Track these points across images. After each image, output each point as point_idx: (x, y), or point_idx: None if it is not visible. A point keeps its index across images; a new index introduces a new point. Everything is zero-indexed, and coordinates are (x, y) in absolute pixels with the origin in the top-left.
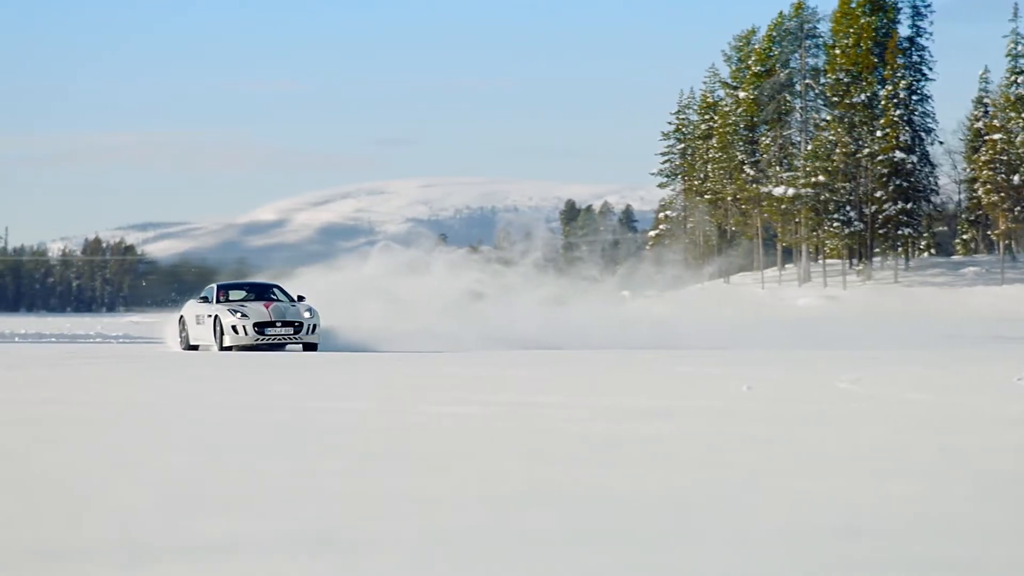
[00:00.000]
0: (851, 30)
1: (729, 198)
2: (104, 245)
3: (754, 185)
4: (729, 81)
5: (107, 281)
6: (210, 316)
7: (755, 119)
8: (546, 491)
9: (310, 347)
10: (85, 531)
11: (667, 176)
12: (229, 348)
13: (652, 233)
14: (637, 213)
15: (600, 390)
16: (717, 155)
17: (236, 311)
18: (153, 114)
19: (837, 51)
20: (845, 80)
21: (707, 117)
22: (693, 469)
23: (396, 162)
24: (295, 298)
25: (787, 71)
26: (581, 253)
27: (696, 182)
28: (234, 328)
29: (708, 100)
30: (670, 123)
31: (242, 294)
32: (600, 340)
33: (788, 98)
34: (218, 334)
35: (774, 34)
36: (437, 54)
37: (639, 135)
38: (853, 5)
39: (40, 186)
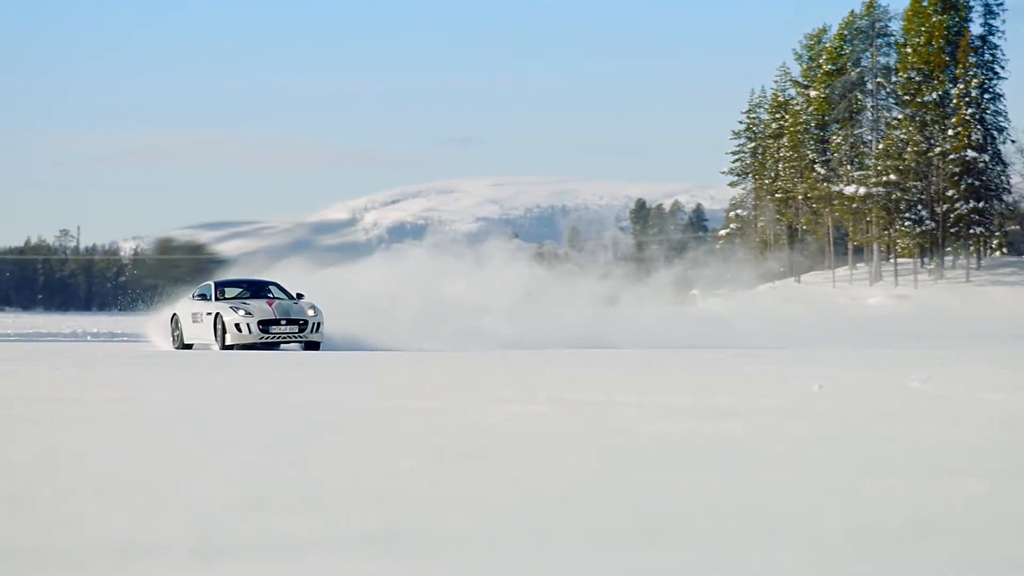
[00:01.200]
0: (922, 28)
1: (800, 197)
2: (175, 244)
3: (825, 184)
4: (800, 80)
5: (178, 279)
6: (209, 314)
7: (826, 118)
8: (616, 491)
9: (312, 346)
10: (158, 529)
11: (738, 175)
12: (231, 347)
13: (722, 232)
14: (707, 212)
15: (670, 389)
16: (788, 154)
17: (238, 308)
18: (225, 113)
19: (908, 50)
20: (916, 79)
21: (778, 116)
22: (764, 468)
23: (466, 161)
24: (294, 295)
25: (858, 70)
26: (651, 252)
27: (767, 181)
28: (237, 326)
29: (779, 99)
30: (741, 122)
31: (237, 291)
32: (670, 339)
33: (859, 97)
34: (219, 332)
35: (845, 33)
36: (508, 52)
37: (710, 134)
38: (924, 3)
39: (112, 185)
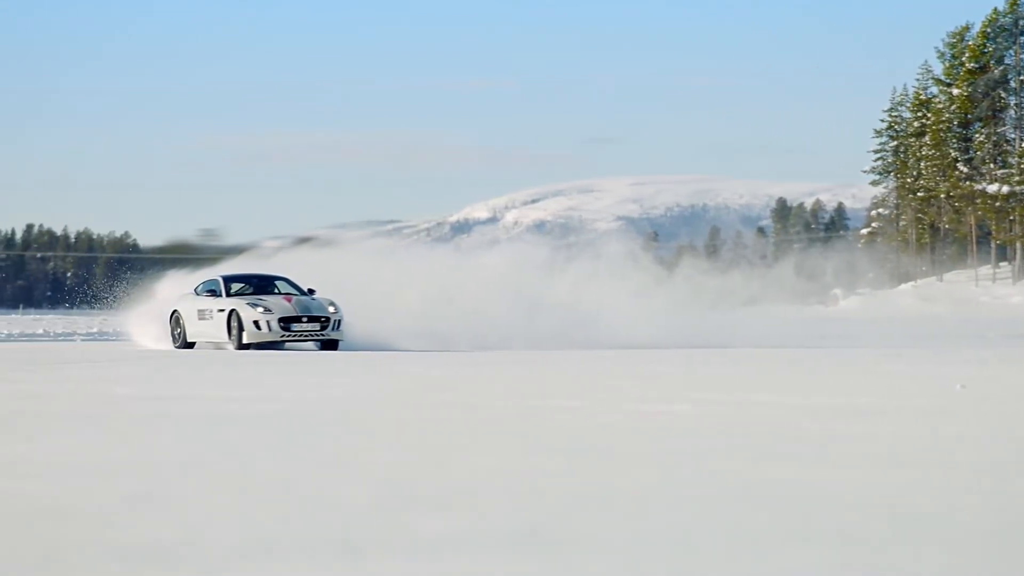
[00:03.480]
0: None
1: (942, 195)
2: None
3: (968, 183)
4: (943, 78)
5: None
6: (221, 310)
7: (969, 116)
8: (759, 491)
9: (331, 345)
10: (298, 529)
11: (880, 174)
12: (247, 346)
13: (864, 231)
14: (849, 211)
15: (811, 388)
16: (930, 152)
17: (256, 305)
18: (368, 113)
19: None
20: None
21: (920, 114)
22: (907, 468)
23: (607, 160)
24: (306, 290)
25: (1002, 68)
26: (792, 252)
27: (909, 180)
28: (256, 323)
29: (921, 97)
30: (883, 120)
31: (242, 285)
32: (810, 338)
33: (1002, 95)
34: (235, 330)
35: (988, 30)
36: (650, 52)
37: (852, 133)
38: None
39: (255, 184)
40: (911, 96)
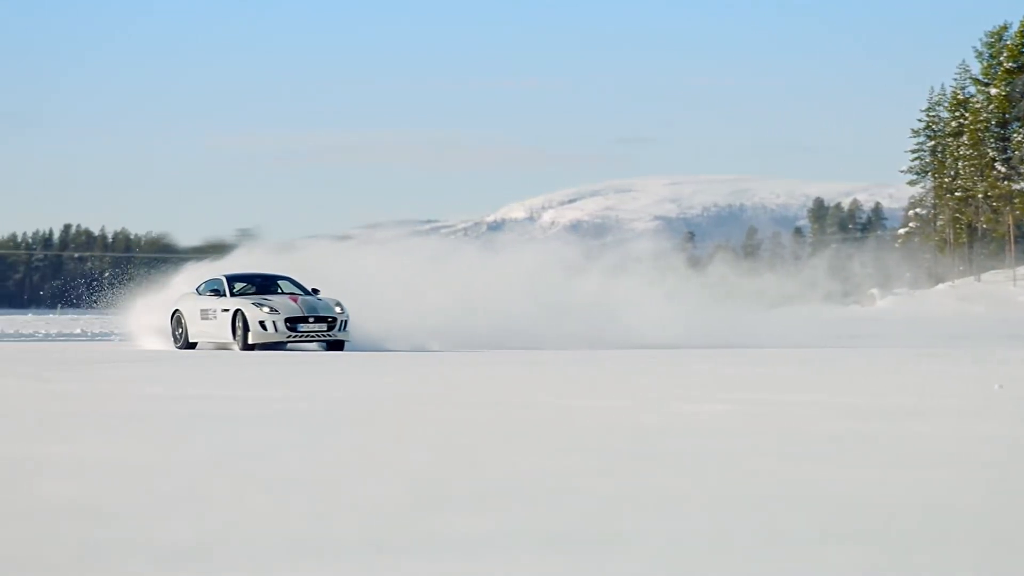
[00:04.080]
0: None
1: (980, 195)
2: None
3: (1005, 182)
4: (980, 77)
5: None
6: (226, 310)
7: (1007, 116)
8: (796, 491)
9: (336, 345)
10: (332, 529)
11: (917, 173)
12: (252, 347)
13: (901, 231)
14: (886, 211)
15: (848, 388)
16: (968, 152)
17: (262, 305)
18: (404, 112)
19: None
20: None
21: (957, 114)
22: (943, 468)
23: (643, 160)
24: (310, 290)
25: None
26: (829, 251)
27: (946, 179)
28: (262, 324)
29: (959, 97)
30: (920, 120)
31: (243, 285)
32: (847, 337)
33: None
34: (240, 330)
35: None
36: (685, 52)
37: (889, 132)
38: None
39: (294, 183)
40: (949, 96)
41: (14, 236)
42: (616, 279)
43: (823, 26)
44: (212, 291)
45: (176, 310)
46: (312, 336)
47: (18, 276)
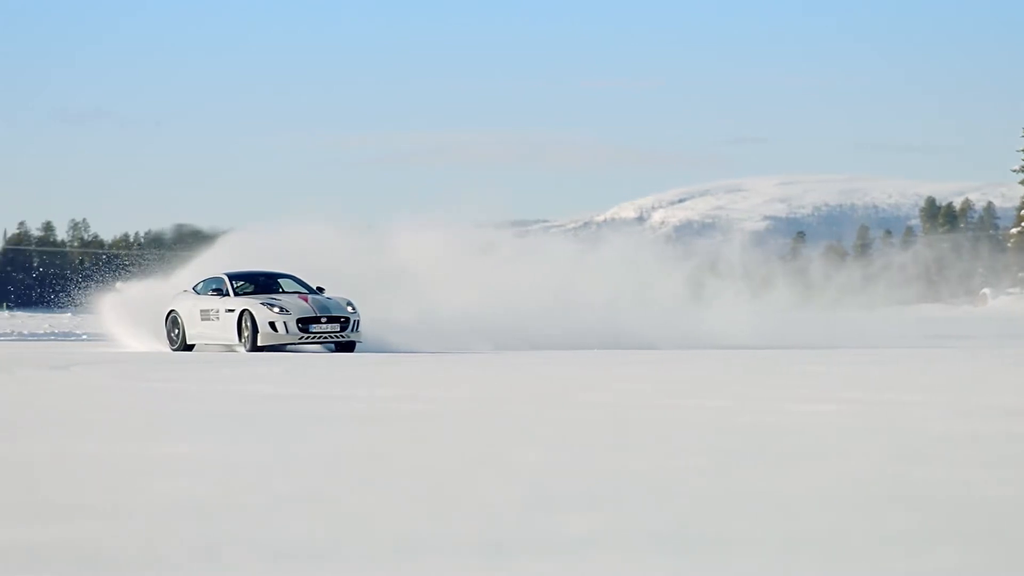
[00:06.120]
0: None
1: None
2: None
3: None
4: None
5: None
6: (230, 311)
7: None
8: (908, 492)
9: (348, 347)
10: (447, 528)
11: None
12: (261, 348)
13: (1014, 230)
14: (998, 210)
15: (959, 387)
16: None
17: (272, 305)
18: (511, 112)
19: None
20: None
21: None
22: None
23: (753, 159)
24: (315, 288)
25: None
26: (941, 251)
27: None
28: (272, 325)
29: None
30: None
31: (242, 283)
32: (958, 337)
33: None
34: (248, 331)
35: None
36: (794, 51)
37: (1001, 131)
38: None
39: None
40: None
41: (126, 236)
42: (719, 279)
43: (936, 24)
44: (214, 290)
45: (171, 310)
46: (324, 337)
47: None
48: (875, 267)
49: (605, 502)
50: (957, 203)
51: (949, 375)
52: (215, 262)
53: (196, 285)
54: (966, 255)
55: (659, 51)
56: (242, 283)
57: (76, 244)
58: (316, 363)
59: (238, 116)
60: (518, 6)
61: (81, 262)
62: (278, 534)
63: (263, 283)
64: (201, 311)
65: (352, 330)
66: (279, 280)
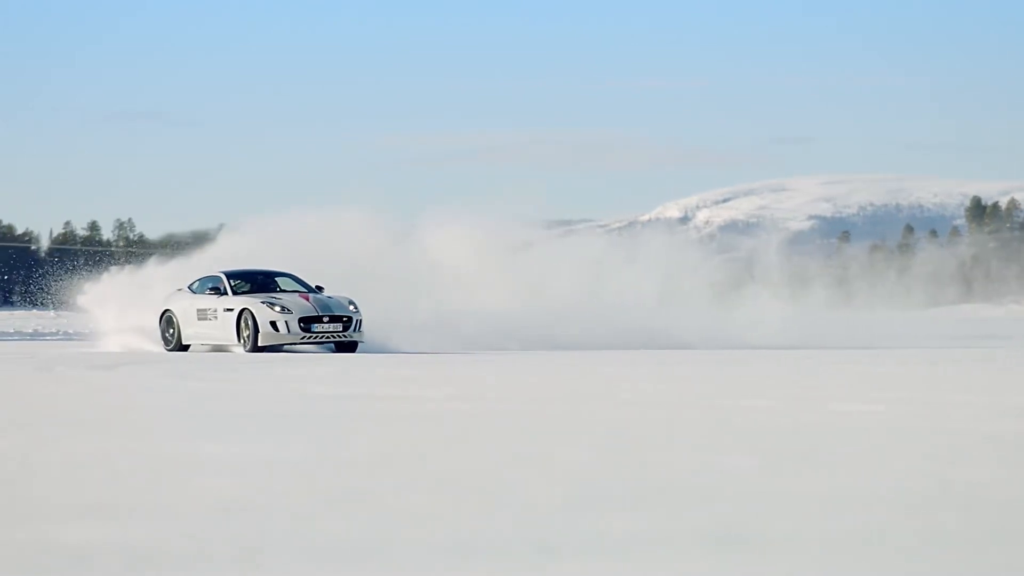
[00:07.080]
0: None
1: None
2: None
3: None
4: None
5: None
6: (229, 310)
7: None
8: (953, 491)
9: (349, 347)
10: (494, 528)
11: None
12: (261, 349)
13: None
14: None
15: (1006, 388)
16: None
17: (273, 304)
18: (554, 112)
19: None
20: None
21: None
22: None
23: (798, 159)
24: (314, 287)
25: None
26: (987, 251)
27: None
28: (273, 324)
29: None
30: None
31: (239, 282)
32: (1004, 337)
33: None
34: (248, 332)
35: None
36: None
37: None
38: None
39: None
40: None
41: (171, 235)
42: (759, 279)
43: (981, 25)
44: (211, 289)
45: (166, 310)
46: (326, 336)
47: None
48: (920, 267)
49: (651, 502)
50: (1003, 202)
51: (994, 375)
52: (230, 256)
53: (192, 284)
54: (1012, 254)
55: (704, 51)
56: (239, 282)
57: (121, 244)
58: (366, 363)
59: (279, 117)
60: (562, 6)
61: (127, 261)
62: (321, 535)
63: (261, 282)
64: (198, 310)
65: (354, 330)
66: (277, 279)
